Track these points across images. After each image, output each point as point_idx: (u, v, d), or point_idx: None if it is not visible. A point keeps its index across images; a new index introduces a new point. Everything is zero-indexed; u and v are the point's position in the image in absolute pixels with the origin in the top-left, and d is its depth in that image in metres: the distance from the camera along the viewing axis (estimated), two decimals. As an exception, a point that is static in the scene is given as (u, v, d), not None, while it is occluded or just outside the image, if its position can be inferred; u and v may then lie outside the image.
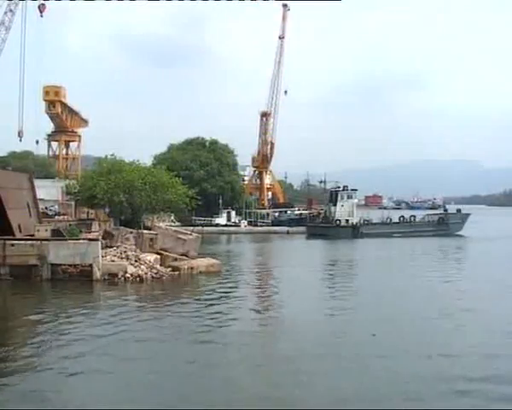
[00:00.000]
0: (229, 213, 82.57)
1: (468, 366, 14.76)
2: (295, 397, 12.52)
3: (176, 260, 32.14)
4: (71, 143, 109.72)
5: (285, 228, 76.36)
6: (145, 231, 34.71)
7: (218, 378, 13.72)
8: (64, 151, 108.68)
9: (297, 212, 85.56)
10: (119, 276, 28.17)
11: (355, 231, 68.97)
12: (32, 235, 30.90)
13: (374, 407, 12.08)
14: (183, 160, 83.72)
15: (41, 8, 76.70)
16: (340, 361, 15.25)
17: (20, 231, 31.32)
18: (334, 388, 13.20)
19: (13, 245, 28.33)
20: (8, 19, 77.56)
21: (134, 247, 32.18)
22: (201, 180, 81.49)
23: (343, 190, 73.91)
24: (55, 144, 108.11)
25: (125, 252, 30.70)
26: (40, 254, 28.00)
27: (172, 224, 65.22)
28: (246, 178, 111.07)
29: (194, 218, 74.67)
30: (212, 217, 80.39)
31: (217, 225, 78.41)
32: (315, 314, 21.66)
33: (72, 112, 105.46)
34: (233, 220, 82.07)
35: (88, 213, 52.13)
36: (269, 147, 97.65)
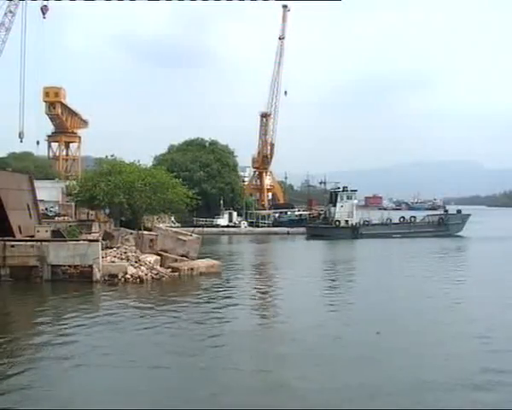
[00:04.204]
0: (230, 213, 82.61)
1: (467, 365, 14.81)
2: (300, 397, 12.55)
3: (176, 261, 32.15)
4: (71, 144, 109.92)
5: (285, 229, 76.42)
6: (145, 232, 34.74)
7: (218, 379, 13.75)
8: (64, 152, 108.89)
9: (297, 213, 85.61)
10: (119, 277, 28.18)
11: (355, 232, 68.96)
12: (33, 236, 30.89)
13: (377, 406, 12.10)
14: (183, 161, 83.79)
15: (44, 9, 76.69)
16: (345, 359, 15.31)
17: (21, 232, 31.32)
18: (339, 387, 13.20)
19: (13, 246, 28.34)
20: (8, 20, 77.71)
21: (134, 248, 32.22)
22: (201, 181, 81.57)
23: (343, 190, 73.86)
24: (55, 145, 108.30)
25: (125, 253, 30.74)
26: (40, 256, 28.02)
27: (172, 225, 65.24)
28: (246, 178, 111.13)
29: (194, 219, 74.68)
30: (213, 218, 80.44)
31: (217, 225, 78.46)
32: (317, 314, 21.67)
33: (72, 113, 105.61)
34: (234, 221, 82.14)
35: (88, 214, 52.15)
36: (269, 148, 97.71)
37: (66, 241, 30.04)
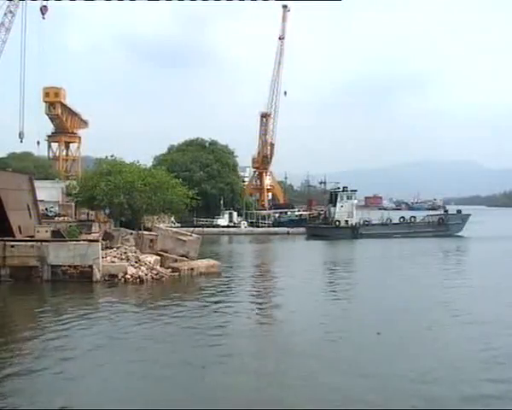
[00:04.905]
0: (230, 214, 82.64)
1: (468, 367, 14.82)
2: (300, 397, 12.55)
3: (176, 261, 32.16)
4: (71, 144, 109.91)
5: (285, 229, 76.49)
6: (145, 232, 34.74)
7: (217, 380, 13.74)
8: (64, 152, 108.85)
9: (297, 213, 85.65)
10: (119, 277, 28.20)
11: (354, 232, 68.94)
12: (32, 236, 30.90)
13: (377, 406, 12.10)
14: (183, 161, 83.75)
15: (43, 10, 76.68)
16: (345, 360, 15.30)
17: (21, 233, 31.33)
18: (339, 387, 13.17)
19: (13, 246, 28.35)
20: (8, 20, 77.72)
21: (134, 248, 32.21)
22: (201, 181, 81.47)
23: (343, 190, 73.84)
24: (55, 145, 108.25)
25: (125, 253, 30.73)
26: (40, 256, 28.03)
27: (172, 225, 65.20)
28: (246, 179, 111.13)
29: (194, 219, 74.68)
30: (213, 218, 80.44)
31: (217, 226, 78.46)
32: (316, 315, 21.68)
33: (72, 113, 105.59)
34: (234, 221, 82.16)
35: (88, 214, 52.18)
36: (269, 148, 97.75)
37: (66, 241, 30.04)
